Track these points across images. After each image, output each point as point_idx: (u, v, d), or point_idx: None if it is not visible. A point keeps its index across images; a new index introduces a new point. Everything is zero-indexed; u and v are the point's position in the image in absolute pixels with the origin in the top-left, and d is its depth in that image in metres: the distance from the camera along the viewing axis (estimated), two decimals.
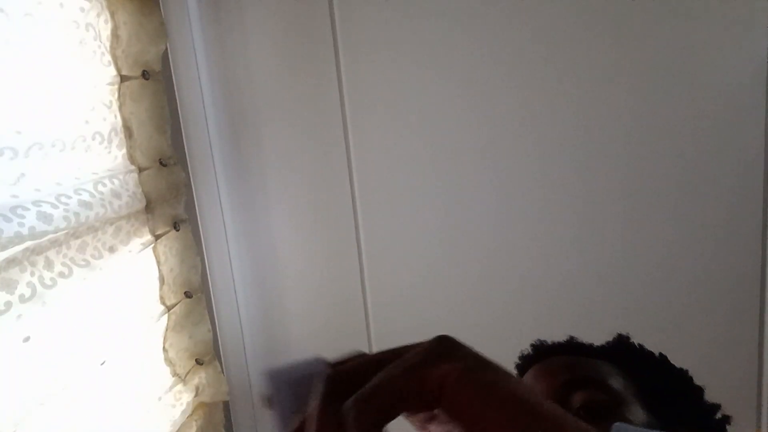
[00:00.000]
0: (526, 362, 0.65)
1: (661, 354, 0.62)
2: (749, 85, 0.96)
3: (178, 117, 1.13)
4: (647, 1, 0.96)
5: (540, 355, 0.64)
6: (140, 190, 0.95)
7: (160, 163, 1.00)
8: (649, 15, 0.96)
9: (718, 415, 0.57)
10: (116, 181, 0.89)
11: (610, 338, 0.64)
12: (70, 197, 0.77)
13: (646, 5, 0.96)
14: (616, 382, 0.55)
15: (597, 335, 0.65)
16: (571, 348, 0.65)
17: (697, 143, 1.00)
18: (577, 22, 0.99)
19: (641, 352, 0.63)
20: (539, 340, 0.67)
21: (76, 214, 0.77)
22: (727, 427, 0.56)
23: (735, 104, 0.97)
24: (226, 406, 1.25)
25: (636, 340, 0.61)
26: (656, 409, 0.53)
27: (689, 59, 0.97)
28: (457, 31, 1.02)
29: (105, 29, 0.88)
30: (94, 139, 0.86)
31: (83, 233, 0.82)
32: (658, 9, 0.96)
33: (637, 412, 0.52)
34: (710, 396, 0.58)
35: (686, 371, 0.60)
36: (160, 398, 1.02)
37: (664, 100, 0.99)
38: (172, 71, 1.11)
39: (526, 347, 0.68)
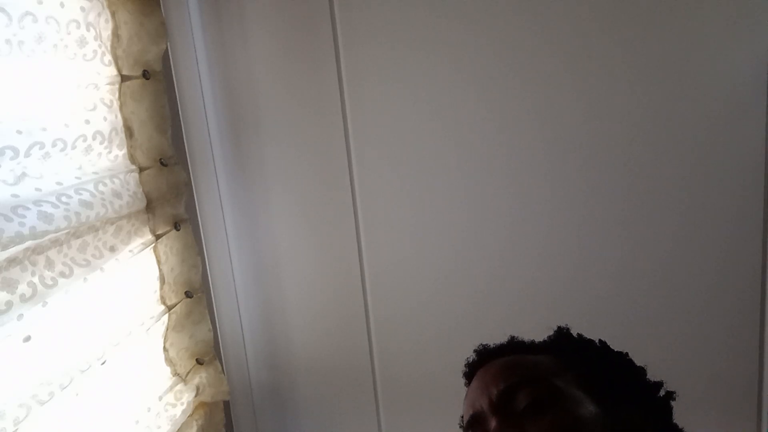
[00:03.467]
0: (471, 369, 0.65)
1: (600, 340, 0.63)
2: (750, 85, 0.96)
3: (179, 117, 1.13)
4: (650, 0, 0.96)
5: (484, 359, 0.64)
6: (141, 189, 0.95)
7: (161, 162, 1.00)
8: (651, 15, 0.96)
9: (662, 392, 0.57)
10: (117, 181, 0.89)
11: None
12: (70, 197, 0.77)
13: (649, 5, 0.96)
14: (559, 375, 0.56)
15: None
16: (513, 347, 0.65)
17: (697, 143, 1.00)
18: (578, 21, 0.99)
19: (581, 341, 0.64)
20: (482, 344, 0.67)
21: (77, 213, 0.77)
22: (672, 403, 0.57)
23: (736, 104, 0.97)
24: (227, 405, 1.25)
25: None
26: (601, 394, 0.54)
27: (690, 59, 0.97)
28: (459, 28, 1.02)
29: (106, 29, 0.88)
30: (94, 138, 0.86)
31: (84, 233, 0.82)
32: (660, 9, 0.96)
33: (583, 401, 0.53)
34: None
35: (626, 354, 0.60)
36: (160, 398, 1.02)
37: (665, 100, 0.99)
38: (173, 71, 1.11)
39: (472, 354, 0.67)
